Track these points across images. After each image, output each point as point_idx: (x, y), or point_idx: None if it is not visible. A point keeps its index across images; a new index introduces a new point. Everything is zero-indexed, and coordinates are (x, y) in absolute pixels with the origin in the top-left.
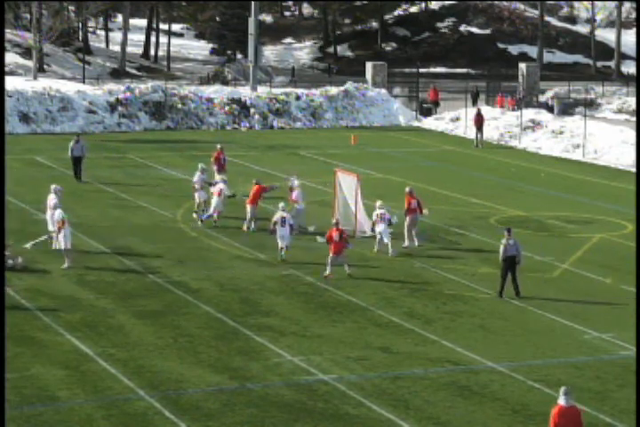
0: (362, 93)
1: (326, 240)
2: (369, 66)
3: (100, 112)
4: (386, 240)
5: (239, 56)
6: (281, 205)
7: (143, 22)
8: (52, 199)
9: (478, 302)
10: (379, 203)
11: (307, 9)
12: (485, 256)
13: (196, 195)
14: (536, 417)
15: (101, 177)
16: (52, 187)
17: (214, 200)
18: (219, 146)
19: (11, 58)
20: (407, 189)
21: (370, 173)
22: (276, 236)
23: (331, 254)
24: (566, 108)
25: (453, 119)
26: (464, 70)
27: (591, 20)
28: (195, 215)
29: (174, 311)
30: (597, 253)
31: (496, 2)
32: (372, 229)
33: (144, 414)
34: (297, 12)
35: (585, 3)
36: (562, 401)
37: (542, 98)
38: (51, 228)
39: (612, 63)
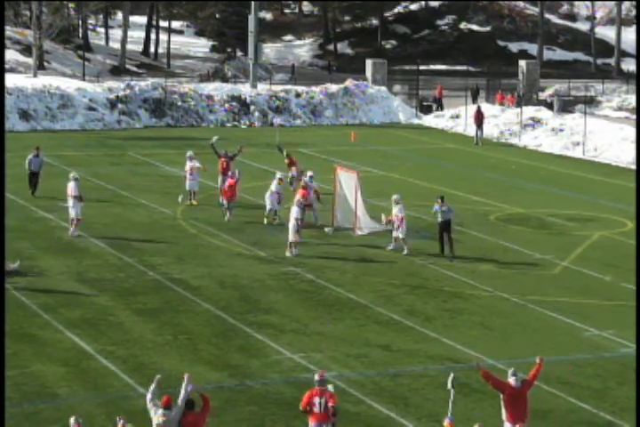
0: (363, 86)
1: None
2: (369, 63)
3: (100, 109)
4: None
5: (239, 53)
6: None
7: (143, 19)
8: (71, 188)
9: (478, 299)
10: (395, 196)
11: (306, 6)
12: (485, 254)
13: (187, 183)
14: (535, 414)
15: (101, 174)
16: (71, 175)
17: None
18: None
19: (11, 55)
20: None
21: (370, 171)
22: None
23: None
24: (566, 105)
25: (453, 117)
26: (464, 68)
27: (591, 18)
28: (179, 200)
29: (174, 309)
30: (597, 251)
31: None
32: (386, 223)
33: (144, 412)
34: (297, 10)
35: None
36: (513, 382)
37: (542, 95)
38: (72, 215)
39: (612, 61)
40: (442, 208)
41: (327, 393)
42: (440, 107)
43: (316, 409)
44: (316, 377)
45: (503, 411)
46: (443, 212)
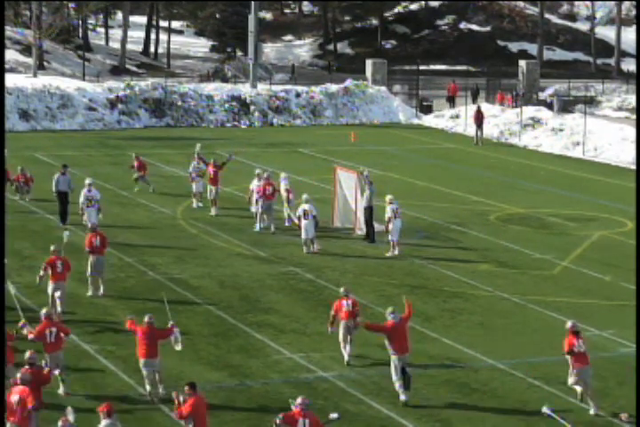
0: (362, 91)
1: None
2: (369, 63)
3: (100, 109)
4: (395, 238)
5: (239, 53)
6: (304, 197)
7: (143, 19)
8: (84, 193)
9: (478, 299)
10: (390, 197)
11: (306, 6)
12: (485, 254)
13: (193, 185)
14: (536, 414)
15: (101, 174)
16: (87, 181)
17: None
18: (198, 146)
19: (11, 55)
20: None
21: (370, 171)
22: (301, 228)
23: None
24: (566, 105)
25: (453, 117)
26: (464, 68)
27: (591, 18)
28: (194, 205)
29: (174, 309)
30: (597, 251)
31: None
32: (386, 229)
33: (144, 411)
34: (297, 10)
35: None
36: (392, 318)
37: (542, 95)
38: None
39: (612, 61)
40: (372, 190)
41: (351, 299)
42: (453, 104)
43: (345, 309)
44: (341, 290)
45: (389, 346)
46: (371, 194)
